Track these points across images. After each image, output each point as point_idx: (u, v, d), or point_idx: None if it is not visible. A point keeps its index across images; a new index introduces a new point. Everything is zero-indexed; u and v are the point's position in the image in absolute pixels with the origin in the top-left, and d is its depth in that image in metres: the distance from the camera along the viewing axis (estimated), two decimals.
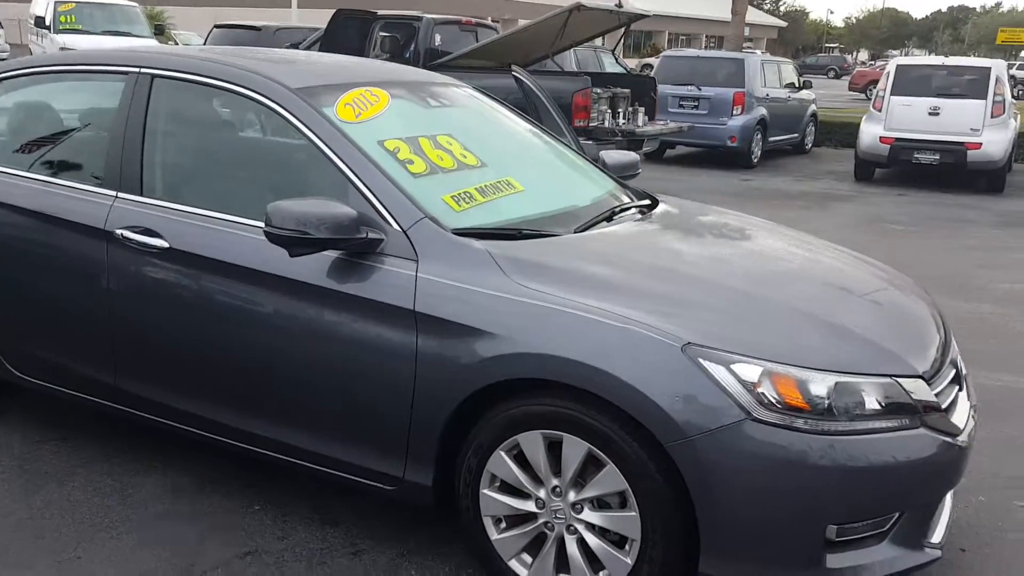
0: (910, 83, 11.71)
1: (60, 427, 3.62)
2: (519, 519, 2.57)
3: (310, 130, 2.81)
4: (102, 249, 3.03)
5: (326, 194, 2.89)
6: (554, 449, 2.45)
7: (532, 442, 2.45)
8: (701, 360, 2.24)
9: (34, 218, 3.20)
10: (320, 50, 9.84)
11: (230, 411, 2.92)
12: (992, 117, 11.22)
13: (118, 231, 3.00)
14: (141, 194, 3.05)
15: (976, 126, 11.20)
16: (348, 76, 3.23)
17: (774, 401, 2.21)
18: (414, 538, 2.92)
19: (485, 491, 2.56)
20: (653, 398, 2.23)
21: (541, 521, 2.51)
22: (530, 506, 2.52)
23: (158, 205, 2.99)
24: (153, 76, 3.13)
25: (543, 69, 10.01)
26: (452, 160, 3.00)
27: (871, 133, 11.75)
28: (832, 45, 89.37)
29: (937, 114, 11.36)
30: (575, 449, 2.40)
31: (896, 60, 12.40)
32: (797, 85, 14.81)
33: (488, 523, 2.59)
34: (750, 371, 2.23)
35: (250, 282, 2.78)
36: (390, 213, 2.66)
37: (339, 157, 2.75)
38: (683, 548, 2.33)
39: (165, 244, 2.91)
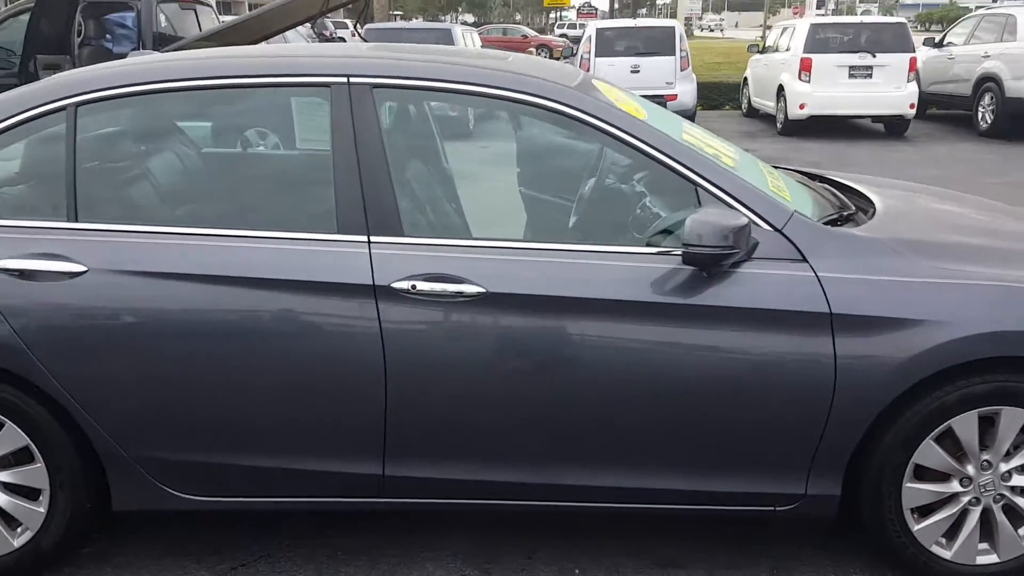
0: (609, 45, 12.73)
1: (236, 548, 2.76)
2: (932, 505, 2.55)
3: (628, 134, 2.47)
4: (370, 309, 2.37)
5: (666, 202, 2.58)
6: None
7: (967, 423, 2.45)
8: None
9: (233, 286, 2.39)
10: (26, 47, 8.08)
11: (573, 469, 2.49)
12: (681, 71, 12.65)
13: (398, 283, 2.36)
14: (402, 234, 2.42)
15: (670, 79, 12.56)
16: (558, 68, 2.82)
17: None
18: (695, 550, 2.75)
19: (908, 484, 2.51)
20: None
21: (966, 499, 2.53)
22: (954, 487, 2.52)
23: (449, 244, 2.42)
24: (373, 86, 2.47)
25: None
26: (722, 149, 2.79)
27: None
28: (397, 13, 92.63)
29: (638, 71, 12.52)
30: (1015, 419, 2.45)
31: (593, 24, 13.36)
32: None
33: (908, 515, 2.54)
34: None
35: (607, 316, 2.38)
36: (757, 213, 2.45)
37: (676, 160, 2.46)
38: None
39: (479, 289, 2.36)
